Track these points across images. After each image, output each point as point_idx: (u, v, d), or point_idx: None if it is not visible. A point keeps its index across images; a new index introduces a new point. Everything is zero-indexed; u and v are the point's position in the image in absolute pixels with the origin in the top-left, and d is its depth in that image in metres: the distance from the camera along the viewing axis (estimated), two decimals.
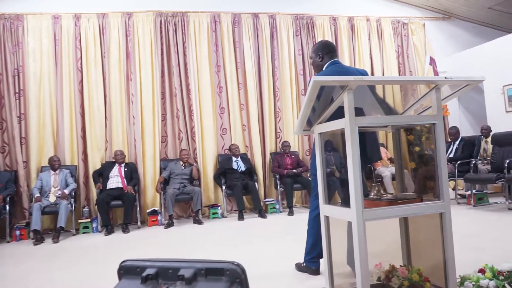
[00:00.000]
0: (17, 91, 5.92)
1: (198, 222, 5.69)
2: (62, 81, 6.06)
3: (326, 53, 2.89)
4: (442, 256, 2.07)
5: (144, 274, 1.10)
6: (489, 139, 6.34)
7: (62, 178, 5.59)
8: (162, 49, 6.46)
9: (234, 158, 6.36)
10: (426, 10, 8.02)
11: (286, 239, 4.33)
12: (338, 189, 2.42)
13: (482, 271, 2.29)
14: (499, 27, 8.29)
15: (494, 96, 7.11)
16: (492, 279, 2.21)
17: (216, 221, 5.89)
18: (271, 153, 6.74)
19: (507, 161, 5.25)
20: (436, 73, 7.35)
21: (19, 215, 5.73)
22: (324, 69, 2.87)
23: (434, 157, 2.09)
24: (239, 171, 6.28)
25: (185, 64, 6.52)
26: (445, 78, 2.06)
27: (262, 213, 5.90)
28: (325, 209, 2.32)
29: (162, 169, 6.24)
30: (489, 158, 6.04)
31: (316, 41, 7.09)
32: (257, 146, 6.70)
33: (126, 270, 1.15)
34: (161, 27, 6.48)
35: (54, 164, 5.60)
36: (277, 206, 6.30)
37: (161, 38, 6.48)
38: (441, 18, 8.13)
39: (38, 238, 5.00)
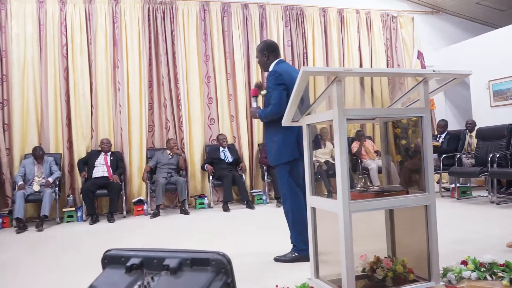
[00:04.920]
0: None
1: (185, 212, 5.67)
2: (46, 68, 5.94)
3: (271, 52, 3.11)
4: (426, 248, 2.09)
5: (128, 263, 1.09)
6: (473, 133, 6.43)
7: (46, 166, 5.50)
8: (150, 37, 6.37)
9: (221, 149, 6.34)
10: (415, 4, 8.05)
11: (273, 230, 4.34)
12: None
13: (464, 262, 2.33)
14: (486, 23, 8.37)
15: (480, 91, 7.20)
16: (474, 271, 2.24)
17: (203, 212, 5.87)
18: (258, 144, 6.73)
19: (491, 155, 5.34)
20: (423, 67, 7.41)
21: (2, 203, 5.64)
22: (273, 65, 3.08)
23: (421, 150, 2.11)
24: (227, 161, 6.27)
25: (173, 53, 6.44)
26: (433, 71, 2.07)
27: (250, 204, 5.90)
28: (311, 201, 2.32)
29: (148, 159, 6.19)
30: (473, 152, 6.13)
31: (306, 33, 7.10)
32: (245, 137, 6.68)
33: (110, 260, 1.14)
34: (149, 15, 6.38)
35: (38, 154, 5.48)
36: (264, 197, 6.32)
37: (149, 26, 6.38)
38: (430, 12, 8.17)
39: (21, 226, 4.92)
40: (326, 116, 2.10)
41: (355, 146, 6.82)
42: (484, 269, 2.25)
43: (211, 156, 6.29)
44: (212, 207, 6.13)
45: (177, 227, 4.92)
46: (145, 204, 5.82)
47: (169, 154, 6.07)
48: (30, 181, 5.39)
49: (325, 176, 6.13)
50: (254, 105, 3.19)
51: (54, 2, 6.03)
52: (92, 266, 3.05)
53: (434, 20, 8.21)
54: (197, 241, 4.06)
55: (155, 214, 5.54)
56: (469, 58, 7.22)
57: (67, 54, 6.03)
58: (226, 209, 5.75)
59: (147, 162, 6.17)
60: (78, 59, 6.06)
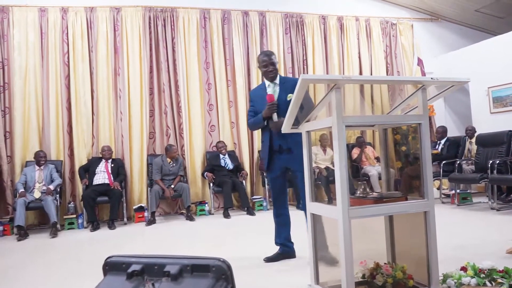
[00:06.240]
0: (1, 84, 5.82)
1: (190, 218, 5.66)
2: (48, 75, 5.98)
3: None
4: (426, 254, 2.10)
5: (129, 270, 1.10)
6: (473, 140, 6.44)
7: (47, 174, 5.51)
8: (150, 45, 6.41)
9: (221, 155, 6.35)
10: (414, 11, 8.10)
11: (273, 236, 4.34)
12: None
13: (464, 269, 2.33)
14: (485, 30, 8.41)
15: (479, 97, 7.22)
16: (474, 277, 2.25)
17: (204, 218, 5.87)
18: (258, 151, 6.74)
19: (491, 161, 5.35)
20: (423, 74, 7.44)
21: (3, 211, 5.65)
22: (279, 76, 3.18)
23: (419, 156, 2.12)
24: (227, 168, 6.28)
25: (174, 60, 6.48)
26: (431, 78, 2.09)
27: (250, 211, 5.90)
28: (311, 207, 2.33)
29: (149, 165, 6.19)
30: (473, 159, 6.13)
31: (306, 40, 7.14)
32: (245, 143, 6.70)
33: (111, 266, 1.15)
34: (150, 23, 6.43)
35: (40, 159, 5.51)
36: (264, 204, 6.31)
37: (150, 33, 6.42)
38: (429, 20, 8.22)
39: (22, 233, 4.93)
40: (326, 123, 2.12)
41: (355, 152, 6.83)
42: (484, 275, 2.26)
43: (211, 163, 6.30)
44: (212, 214, 6.13)
45: (177, 233, 4.92)
46: (146, 211, 5.82)
47: (170, 162, 6.03)
48: (31, 188, 5.40)
49: (325, 182, 6.13)
50: (275, 117, 2.98)
51: (56, 11, 6.08)
52: (93, 273, 3.05)
53: (433, 27, 8.25)
54: (198, 247, 4.06)
55: (150, 222, 5.53)
56: (468, 65, 7.25)
57: (68, 61, 6.07)
58: (226, 215, 5.75)
59: (148, 169, 6.18)
60: (79, 66, 6.10)
